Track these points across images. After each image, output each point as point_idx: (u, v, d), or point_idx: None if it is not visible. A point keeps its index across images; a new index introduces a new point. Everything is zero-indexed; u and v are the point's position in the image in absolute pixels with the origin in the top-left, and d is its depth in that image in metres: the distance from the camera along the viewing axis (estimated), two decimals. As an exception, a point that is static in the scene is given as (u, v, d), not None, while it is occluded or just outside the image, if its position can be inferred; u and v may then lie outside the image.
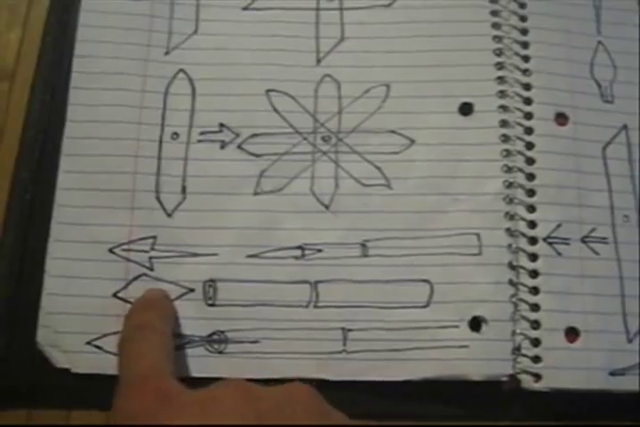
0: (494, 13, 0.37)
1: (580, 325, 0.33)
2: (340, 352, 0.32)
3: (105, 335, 0.32)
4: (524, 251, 0.33)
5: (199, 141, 0.35)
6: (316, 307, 0.33)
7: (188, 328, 0.32)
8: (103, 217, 0.33)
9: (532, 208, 0.34)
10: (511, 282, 0.33)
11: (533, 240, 0.34)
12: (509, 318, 0.33)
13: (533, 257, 0.33)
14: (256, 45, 0.36)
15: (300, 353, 0.32)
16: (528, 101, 0.36)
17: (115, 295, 0.32)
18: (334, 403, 0.26)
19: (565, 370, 0.32)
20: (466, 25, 0.37)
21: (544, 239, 0.34)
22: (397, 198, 0.34)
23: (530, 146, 0.35)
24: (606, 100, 0.36)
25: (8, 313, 0.32)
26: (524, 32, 0.37)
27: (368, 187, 0.34)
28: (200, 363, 0.32)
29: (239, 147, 0.35)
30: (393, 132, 0.35)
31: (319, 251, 0.33)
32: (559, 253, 0.34)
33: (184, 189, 0.34)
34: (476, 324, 0.33)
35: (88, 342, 0.32)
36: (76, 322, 0.32)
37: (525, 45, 0.37)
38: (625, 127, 0.36)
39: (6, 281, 0.33)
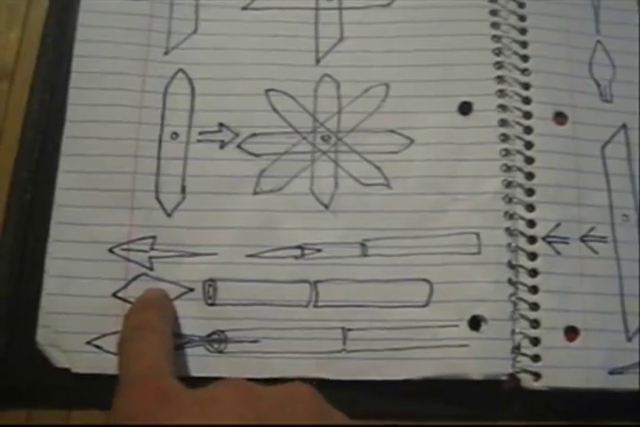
0: (493, 13, 0.37)
1: (580, 324, 0.33)
2: (339, 352, 0.32)
3: (105, 335, 0.32)
4: (523, 250, 0.33)
5: (198, 141, 0.35)
6: (315, 306, 0.33)
7: (188, 328, 0.32)
8: (103, 217, 0.33)
9: (531, 207, 0.34)
10: (510, 281, 0.33)
11: (533, 239, 0.34)
12: (509, 317, 0.33)
13: (533, 256, 0.33)
14: (255, 45, 0.36)
15: (299, 353, 0.32)
16: (527, 101, 0.36)
17: (114, 295, 0.32)
18: (334, 402, 0.26)
19: (565, 369, 0.32)
20: (465, 24, 0.37)
21: (543, 238, 0.34)
22: (397, 198, 0.34)
23: (529, 145, 0.35)
24: (605, 100, 0.36)
25: (8, 313, 0.32)
26: (523, 31, 0.37)
27: (367, 186, 0.34)
28: (200, 362, 0.32)
29: (238, 146, 0.35)
30: (392, 131, 0.35)
31: (319, 250, 0.33)
32: (558, 253, 0.34)
33: (184, 189, 0.34)
34: (475, 323, 0.33)
35: (88, 342, 0.32)
36: (76, 322, 0.32)
37: (524, 45, 0.37)
38: (624, 126, 0.36)
39: (6, 281, 0.33)
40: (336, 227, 0.34)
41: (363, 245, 0.34)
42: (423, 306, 0.33)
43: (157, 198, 0.34)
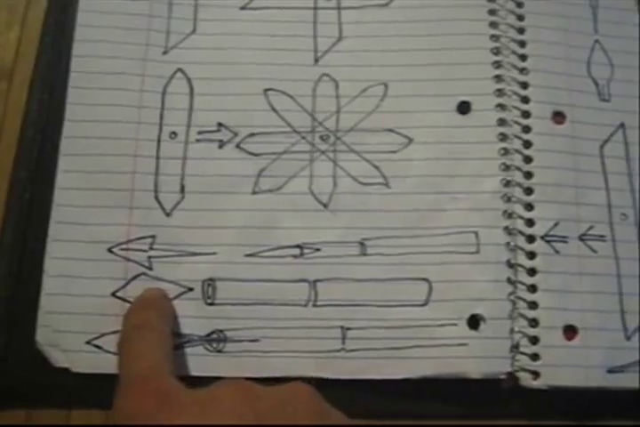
0: (492, 12, 0.37)
1: (579, 322, 0.33)
2: (339, 351, 0.32)
3: (104, 335, 0.32)
4: (522, 249, 0.34)
5: (197, 141, 0.35)
6: (314, 306, 0.33)
7: (187, 327, 0.32)
8: (102, 217, 0.33)
9: (529, 206, 0.34)
10: (509, 280, 0.33)
11: (531, 238, 0.34)
12: (508, 316, 0.33)
13: (531, 255, 0.33)
14: (254, 45, 0.36)
15: (299, 352, 0.32)
16: (525, 100, 0.36)
17: (114, 295, 0.33)
18: (333, 401, 0.26)
19: (564, 368, 0.32)
20: (463, 24, 0.37)
21: (542, 237, 0.34)
22: (396, 197, 0.34)
23: (527, 144, 0.35)
24: (603, 99, 0.37)
25: (7, 313, 0.32)
26: (522, 31, 0.37)
27: (366, 186, 0.34)
28: (199, 362, 0.32)
29: (237, 146, 0.35)
30: (391, 130, 0.35)
31: (318, 250, 0.33)
32: (557, 251, 0.34)
33: (182, 189, 0.34)
34: (474, 322, 0.33)
35: (87, 342, 0.32)
36: (76, 321, 0.32)
37: (523, 44, 0.37)
38: (622, 125, 0.36)
39: (5, 281, 0.33)
40: (335, 226, 0.34)
41: (362, 244, 0.34)
42: (422, 305, 0.33)
43: (156, 198, 0.34)
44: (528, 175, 0.35)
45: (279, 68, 0.36)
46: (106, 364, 0.31)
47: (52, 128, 0.35)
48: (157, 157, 0.34)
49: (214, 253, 0.33)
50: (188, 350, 0.32)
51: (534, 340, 0.32)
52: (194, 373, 0.32)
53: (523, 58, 0.36)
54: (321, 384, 0.28)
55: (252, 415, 0.24)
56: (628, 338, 0.33)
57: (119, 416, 0.25)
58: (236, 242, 0.33)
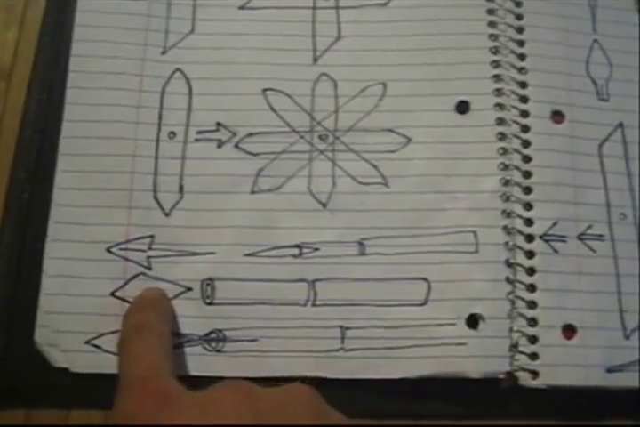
0: (490, 12, 0.37)
1: (577, 322, 0.33)
2: (337, 350, 0.32)
3: (103, 334, 0.32)
4: (520, 248, 0.34)
5: (196, 140, 0.35)
6: (313, 305, 0.33)
7: (186, 327, 0.32)
8: (101, 216, 0.33)
9: (528, 206, 0.34)
10: (508, 279, 0.33)
11: (530, 238, 0.34)
12: (506, 315, 0.33)
13: (530, 255, 0.33)
14: (252, 44, 0.36)
15: (298, 351, 0.32)
16: (524, 99, 0.36)
17: (113, 294, 0.32)
18: (332, 401, 0.26)
19: (563, 367, 0.32)
20: (462, 23, 0.37)
21: (541, 237, 0.34)
22: (394, 197, 0.34)
23: (526, 144, 0.35)
24: (602, 99, 0.37)
25: (6, 313, 0.32)
26: (520, 30, 0.37)
27: (365, 185, 0.35)
28: (198, 362, 0.32)
29: (236, 146, 0.35)
30: (390, 130, 0.35)
31: (317, 249, 0.33)
32: (556, 251, 0.34)
33: (181, 189, 0.34)
34: (473, 321, 0.33)
35: (86, 342, 0.32)
36: (75, 321, 0.32)
37: (521, 44, 0.37)
38: (621, 125, 0.36)
39: (4, 281, 0.33)
40: (334, 226, 0.34)
41: (360, 243, 0.34)
42: (421, 305, 0.33)
43: (155, 198, 0.34)
44: (527, 175, 0.35)
45: (278, 67, 0.36)
46: (105, 364, 0.31)
47: (51, 128, 0.35)
48: (156, 157, 0.34)
49: (213, 253, 0.33)
50: (187, 349, 0.32)
51: (533, 339, 0.32)
52: (193, 372, 0.32)
53: (521, 57, 0.36)
54: (320, 384, 0.28)
55: (250, 415, 0.24)
56: (627, 337, 0.33)
57: (119, 417, 0.25)
58: (234, 242, 0.33)
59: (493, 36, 0.37)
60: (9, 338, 0.32)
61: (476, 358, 0.32)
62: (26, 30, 0.37)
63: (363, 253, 0.33)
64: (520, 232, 0.34)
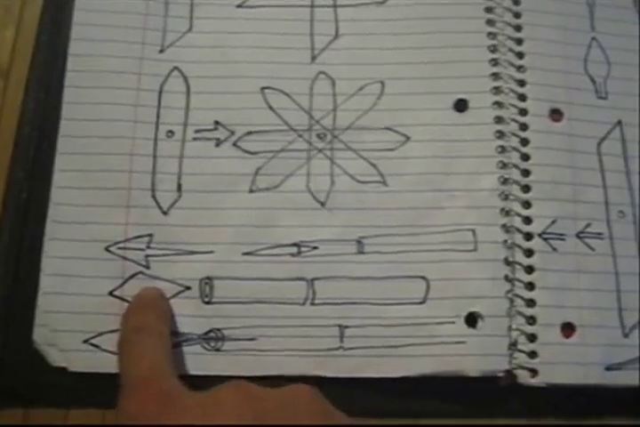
0: (488, 10, 0.37)
1: (576, 320, 0.33)
2: (337, 349, 0.32)
3: (101, 334, 0.32)
4: (519, 247, 0.34)
5: (194, 139, 0.35)
6: (312, 304, 0.33)
7: (185, 326, 0.32)
8: (99, 215, 0.33)
9: (527, 204, 0.34)
10: (507, 278, 0.33)
11: (529, 236, 0.34)
12: (505, 313, 0.33)
13: (529, 253, 0.33)
14: (250, 43, 0.36)
15: (297, 350, 0.32)
16: (523, 98, 0.36)
17: (111, 294, 0.32)
18: (332, 400, 0.26)
19: (562, 365, 0.32)
20: (460, 22, 0.37)
21: (539, 235, 0.34)
22: (393, 195, 0.34)
23: (525, 142, 0.35)
24: (600, 97, 0.37)
25: (4, 312, 0.32)
26: (519, 29, 0.37)
27: (364, 184, 0.34)
28: (197, 361, 0.32)
29: (234, 144, 0.35)
30: (388, 128, 0.35)
31: (315, 248, 0.33)
32: (554, 249, 0.34)
33: (179, 187, 0.34)
34: (472, 320, 0.33)
35: (85, 341, 0.32)
36: (73, 321, 0.32)
37: (520, 42, 0.37)
38: (619, 123, 0.36)
39: (2, 280, 0.33)
40: (332, 224, 0.34)
41: (359, 242, 0.34)
42: (420, 303, 0.33)
43: (153, 197, 0.34)
44: (525, 173, 0.35)
45: (276, 66, 0.36)
46: (103, 363, 0.31)
47: (49, 127, 0.35)
48: (154, 156, 0.34)
49: (211, 252, 0.33)
50: (186, 348, 0.32)
51: (532, 337, 0.32)
52: (192, 371, 0.32)
53: (520, 55, 0.36)
54: (319, 382, 0.28)
55: (250, 415, 0.24)
56: (626, 335, 0.33)
57: (123, 418, 0.26)
58: (233, 240, 0.33)
59: (492, 35, 0.37)
60: (7, 337, 0.32)
61: (475, 356, 0.32)
62: (23, 29, 0.37)
63: (361, 252, 0.33)
64: (519, 230, 0.34)
